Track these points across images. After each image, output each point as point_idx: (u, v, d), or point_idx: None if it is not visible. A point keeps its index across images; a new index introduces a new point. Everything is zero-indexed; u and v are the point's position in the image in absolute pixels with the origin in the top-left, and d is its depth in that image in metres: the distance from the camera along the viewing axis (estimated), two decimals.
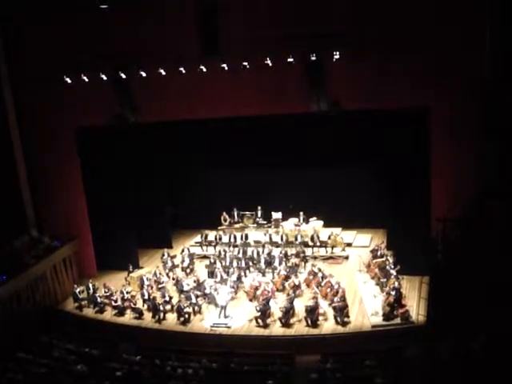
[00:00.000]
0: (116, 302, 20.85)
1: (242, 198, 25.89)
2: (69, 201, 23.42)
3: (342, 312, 18.52)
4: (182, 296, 20.50)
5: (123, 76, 20.61)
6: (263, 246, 23.55)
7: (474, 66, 18.18)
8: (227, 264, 22.82)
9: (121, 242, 23.85)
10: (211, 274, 22.38)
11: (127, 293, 21.02)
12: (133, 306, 20.59)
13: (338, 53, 18.50)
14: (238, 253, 23.65)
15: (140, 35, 20.29)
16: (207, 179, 27.11)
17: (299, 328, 18.71)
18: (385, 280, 19.92)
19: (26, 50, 22.02)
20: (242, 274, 22.12)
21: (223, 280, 21.33)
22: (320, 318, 18.82)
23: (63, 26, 20.98)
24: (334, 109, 19.62)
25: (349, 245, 24.38)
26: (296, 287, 20.37)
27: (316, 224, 24.81)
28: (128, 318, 20.47)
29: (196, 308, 20.10)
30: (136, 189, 24.59)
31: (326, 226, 24.94)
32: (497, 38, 17.90)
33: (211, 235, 25.48)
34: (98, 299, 21.13)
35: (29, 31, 21.69)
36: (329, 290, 19.75)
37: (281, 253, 22.93)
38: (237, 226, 25.85)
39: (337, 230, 24.60)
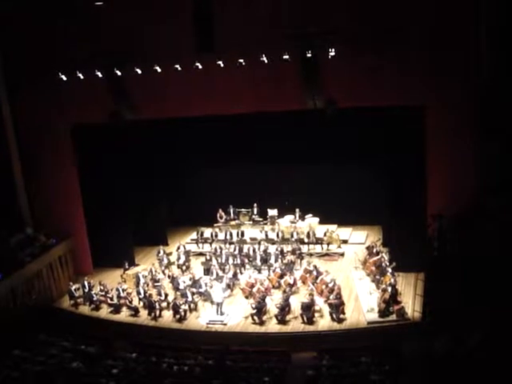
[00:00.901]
0: (112, 299, 20.84)
1: (237, 195, 25.93)
2: (64, 198, 23.39)
3: (337, 309, 18.55)
4: (178, 293, 20.50)
5: (119, 73, 20.58)
6: (259, 243, 23.58)
7: (472, 65, 18.20)
8: (223, 261, 22.83)
9: (116, 240, 23.84)
10: (207, 272, 22.38)
11: (123, 290, 20.99)
12: (128, 303, 20.57)
13: (333, 50, 18.51)
14: (234, 250, 23.64)
15: (136, 32, 20.23)
16: (203, 176, 27.09)
17: (295, 325, 18.74)
18: (380, 277, 19.95)
19: (22, 47, 21.92)
20: (238, 271, 22.13)
21: (219, 277, 21.34)
22: (316, 314, 18.86)
23: (58, 24, 20.92)
24: (330, 107, 19.61)
25: (344, 242, 24.42)
26: (292, 284, 20.40)
27: (312, 221, 24.85)
28: (124, 315, 20.48)
29: (192, 305, 20.10)
30: (131, 186, 24.54)
31: (321, 222, 24.98)
32: (494, 37, 17.92)
33: (207, 232, 25.48)
34: (94, 297, 21.12)
35: (24, 28, 21.59)
36: (324, 286, 19.78)
37: (277, 250, 22.94)
38: (233, 223, 25.86)
39: (332, 227, 24.64)
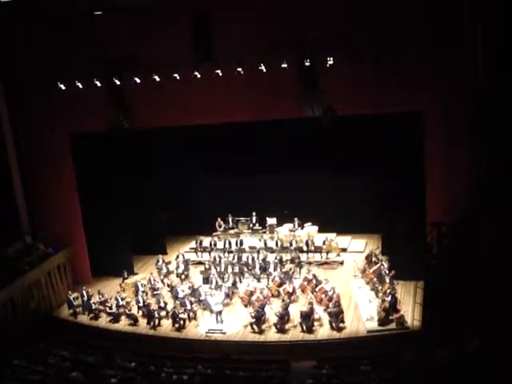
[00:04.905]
0: (111, 308, 20.81)
1: (236, 204, 25.92)
2: (63, 207, 23.39)
3: (337, 317, 18.51)
4: (177, 302, 20.44)
5: (117, 82, 20.64)
6: (258, 252, 23.53)
7: (468, 67, 18.23)
8: (222, 270, 22.79)
9: (115, 249, 23.82)
10: (206, 280, 22.34)
11: (122, 299, 20.97)
12: (128, 312, 20.53)
13: (331, 58, 18.58)
14: (233, 259, 23.64)
15: (134, 41, 20.30)
16: (202, 185, 27.11)
17: (294, 334, 18.69)
18: (380, 285, 19.93)
19: (20, 56, 22.01)
20: (237, 279, 22.10)
21: (218, 286, 21.31)
22: (315, 323, 18.83)
23: (57, 33, 21.00)
24: (328, 115, 19.62)
25: (344, 250, 24.37)
26: (291, 293, 20.37)
27: (311, 229, 24.82)
28: (123, 324, 20.42)
29: (191, 314, 20.06)
30: (130, 195, 24.57)
31: (320, 231, 24.95)
32: (489, 38, 17.95)
33: (206, 241, 25.45)
34: (93, 306, 21.08)
35: (22, 38, 21.68)
36: (323, 295, 19.76)
37: (276, 258, 22.92)
38: (232, 231, 25.85)
39: (332, 236, 24.62)
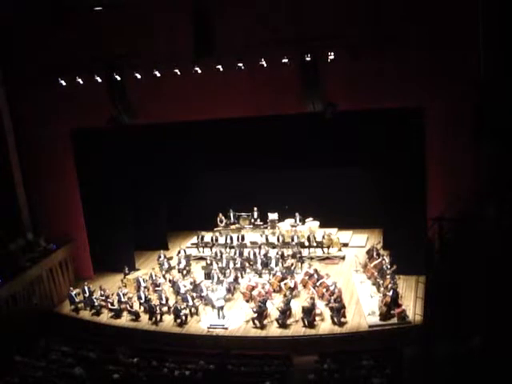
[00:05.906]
0: (112, 304, 20.83)
1: (238, 199, 25.92)
2: (65, 203, 23.39)
3: (338, 312, 18.53)
4: (179, 298, 20.49)
5: (118, 78, 20.61)
6: (259, 247, 23.53)
7: (469, 66, 18.18)
8: (224, 265, 22.81)
9: (117, 244, 23.83)
10: (208, 276, 22.35)
11: (124, 295, 20.98)
12: (129, 308, 20.55)
13: (332, 53, 18.54)
14: (235, 254, 23.65)
15: (135, 37, 20.26)
16: (203, 180, 27.12)
17: (296, 329, 18.70)
18: (381, 280, 19.93)
19: (21, 52, 21.98)
20: (239, 275, 22.10)
21: (220, 281, 21.32)
22: (317, 318, 18.83)
23: (57, 29, 20.95)
24: (329, 110, 19.59)
25: (345, 245, 24.39)
26: (292, 288, 20.39)
27: (312, 224, 24.82)
28: (124, 320, 20.45)
29: (193, 309, 20.08)
30: (132, 191, 24.56)
31: (322, 226, 24.95)
32: (490, 36, 17.91)
33: (207, 236, 25.47)
34: (95, 302, 21.10)
35: (23, 34, 21.65)
36: (325, 290, 19.77)
37: (277, 254, 22.93)
38: (233, 227, 25.88)
39: (333, 231, 24.62)
